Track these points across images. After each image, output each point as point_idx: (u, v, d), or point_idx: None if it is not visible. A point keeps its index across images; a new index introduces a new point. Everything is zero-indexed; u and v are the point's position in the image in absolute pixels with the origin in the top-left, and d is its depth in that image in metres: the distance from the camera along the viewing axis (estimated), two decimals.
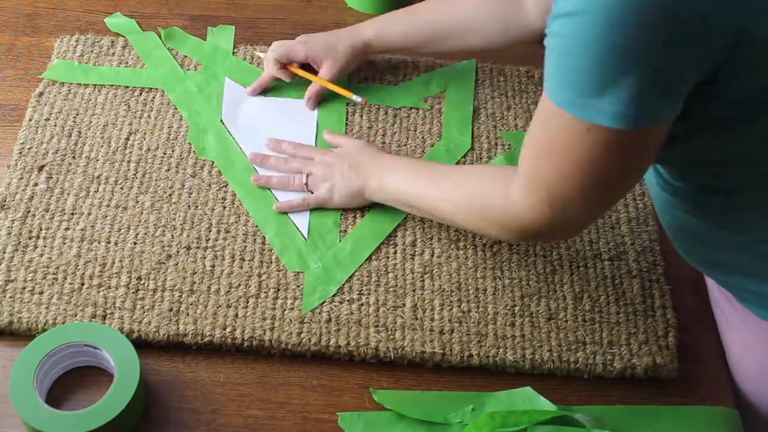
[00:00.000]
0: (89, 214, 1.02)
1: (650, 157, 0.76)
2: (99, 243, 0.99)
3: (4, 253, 0.98)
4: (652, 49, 0.65)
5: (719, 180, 0.82)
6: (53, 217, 1.01)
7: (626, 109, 0.68)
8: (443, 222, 0.99)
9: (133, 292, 0.95)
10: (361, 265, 0.99)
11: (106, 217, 1.01)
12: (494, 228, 0.88)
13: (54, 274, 0.96)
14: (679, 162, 0.83)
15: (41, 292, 0.95)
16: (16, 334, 0.93)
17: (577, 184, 0.76)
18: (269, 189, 1.05)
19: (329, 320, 0.95)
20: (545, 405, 0.89)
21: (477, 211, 0.89)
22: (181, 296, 0.95)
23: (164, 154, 1.08)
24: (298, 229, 1.02)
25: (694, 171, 0.83)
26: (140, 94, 1.14)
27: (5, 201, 1.02)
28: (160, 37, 1.21)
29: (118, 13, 1.24)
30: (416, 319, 0.95)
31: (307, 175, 1.04)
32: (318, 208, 1.04)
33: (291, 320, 0.94)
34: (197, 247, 0.99)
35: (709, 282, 1.00)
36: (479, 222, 0.90)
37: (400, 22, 1.11)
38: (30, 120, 1.10)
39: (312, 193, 1.04)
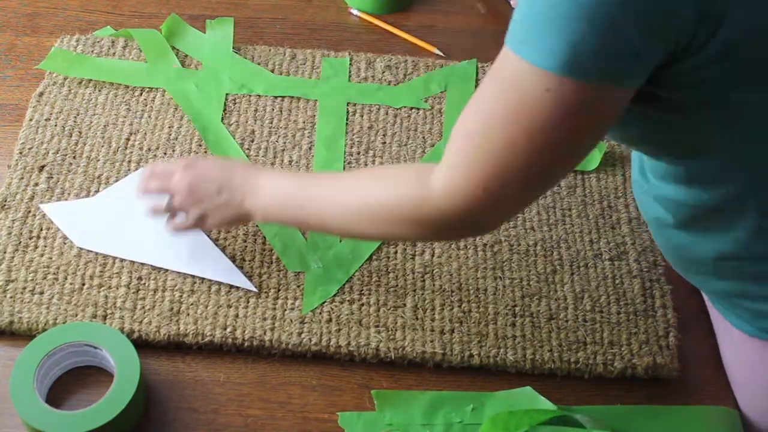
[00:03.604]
0: None
1: (598, 132, 0.71)
2: None
3: (5, 253, 0.98)
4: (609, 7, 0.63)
5: (703, 182, 0.80)
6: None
7: (580, 57, 0.64)
8: (340, 233, 0.89)
9: (133, 292, 0.95)
10: (362, 265, 0.99)
11: None
12: (403, 228, 0.79)
13: (54, 274, 0.96)
14: (669, 155, 0.81)
15: (42, 292, 0.95)
16: (16, 334, 0.93)
17: (522, 159, 0.70)
18: None
19: (330, 320, 0.95)
20: (545, 405, 0.89)
21: (381, 211, 0.79)
22: (181, 296, 0.95)
23: (165, 154, 1.08)
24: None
25: (683, 173, 0.82)
26: (140, 94, 1.14)
27: (6, 201, 1.02)
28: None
29: (108, 27, 1.22)
30: (417, 319, 0.95)
31: (171, 197, 0.93)
32: None
33: (291, 320, 0.94)
34: None
35: None
36: (383, 224, 0.80)
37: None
38: (30, 120, 1.10)
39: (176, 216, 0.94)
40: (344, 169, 1.08)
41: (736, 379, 0.94)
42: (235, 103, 1.14)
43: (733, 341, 0.93)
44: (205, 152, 1.08)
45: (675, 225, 0.85)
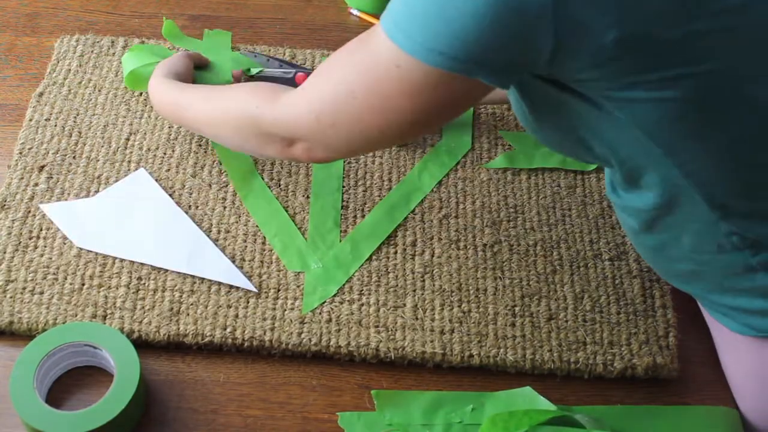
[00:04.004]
0: None
1: (441, 113, 0.77)
2: None
3: (5, 253, 0.98)
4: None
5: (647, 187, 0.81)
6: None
7: (432, 44, 0.69)
8: (208, 136, 1.00)
9: (133, 292, 0.95)
10: (362, 265, 0.99)
11: None
12: (249, 134, 0.88)
13: (54, 274, 0.96)
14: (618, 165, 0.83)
15: (41, 292, 0.95)
16: (16, 334, 0.93)
17: (356, 111, 0.77)
18: (269, 189, 1.05)
19: (330, 320, 0.95)
20: (545, 405, 0.89)
21: (234, 118, 0.89)
22: (181, 296, 0.95)
23: (164, 154, 1.08)
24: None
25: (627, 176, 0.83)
26: (140, 94, 1.14)
27: (6, 201, 1.02)
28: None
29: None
30: (417, 319, 0.95)
31: None
32: (316, 209, 1.04)
33: (291, 320, 0.94)
34: None
35: None
36: (233, 130, 0.90)
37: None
38: (30, 120, 1.10)
39: None
40: (344, 168, 1.08)
41: (732, 379, 0.94)
42: None
43: (725, 340, 0.93)
44: (206, 152, 1.08)
45: (642, 230, 0.86)
